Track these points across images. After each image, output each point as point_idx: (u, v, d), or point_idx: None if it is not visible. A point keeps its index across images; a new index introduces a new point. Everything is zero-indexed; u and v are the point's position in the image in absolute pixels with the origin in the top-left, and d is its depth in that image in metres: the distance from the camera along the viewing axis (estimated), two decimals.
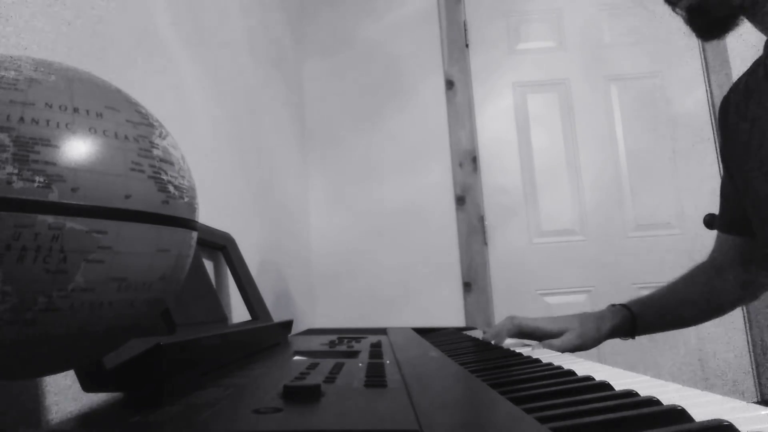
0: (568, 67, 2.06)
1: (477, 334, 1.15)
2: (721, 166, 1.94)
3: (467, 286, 1.91)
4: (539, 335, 0.87)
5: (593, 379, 0.46)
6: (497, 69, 2.07)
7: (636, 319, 0.91)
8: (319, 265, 1.96)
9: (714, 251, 0.97)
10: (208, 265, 0.90)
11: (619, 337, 0.92)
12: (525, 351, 0.73)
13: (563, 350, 0.83)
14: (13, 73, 0.29)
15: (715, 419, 0.32)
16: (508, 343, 0.87)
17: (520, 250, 1.96)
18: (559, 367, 0.54)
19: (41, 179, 0.26)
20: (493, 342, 0.84)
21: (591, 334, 0.87)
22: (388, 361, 0.53)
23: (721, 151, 0.93)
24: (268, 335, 0.76)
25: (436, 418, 0.30)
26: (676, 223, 1.94)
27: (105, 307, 0.29)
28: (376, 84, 2.06)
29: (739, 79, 0.86)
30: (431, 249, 1.95)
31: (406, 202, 1.98)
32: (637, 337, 0.93)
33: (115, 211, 0.29)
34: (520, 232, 1.97)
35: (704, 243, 1.91)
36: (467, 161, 1.99)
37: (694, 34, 0.81)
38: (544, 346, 0.83)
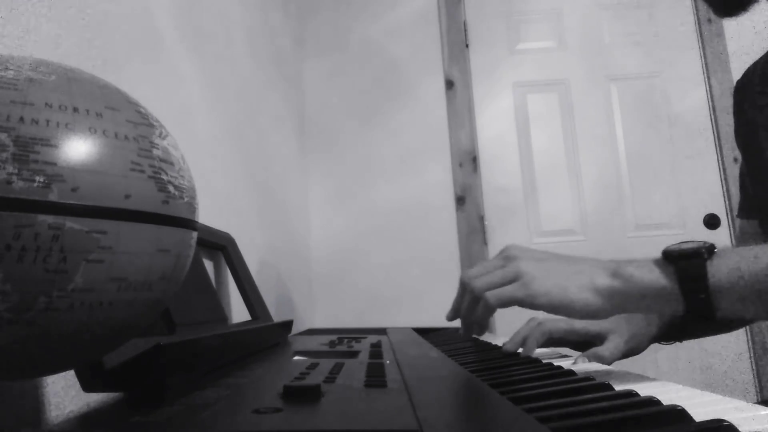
0: (568, 67, 2.06)
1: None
2: (721, 161, 1.95)
3: None
4: (574, 339, 0.71)
5: (593, 379, 0.46)
6: (497, 69, 2.07)
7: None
8: (319, 265, 1.96)
9: (737, 242, 0.91)
10: (208, 265, 0.90)
11: (663, 341, 0.72)
12: (565, 364, 0.59)
13: (613, 361, 0.66)
14: (12, 72, 0.29)
15: (715, 419, 0.32)
16: (540, 352, 0.70)
17: None
18: (559, 367, 0.54)
19: (41, 179, 0.26)
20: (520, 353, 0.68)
21: (642, 334, 0.69)
22: (388, 361, 0.53)
23: (736, 136, 0.88)
24: (268, 335, 0.76)
25: (436, 418, 0.30)
26: (676, 223, 1.94)
27: (105, 307, 0.29)
28: (376, 84, 2.06)
29: (755, 64, 0.83)
30: (431, 249, 1.95)
31: (406, 202, 1.98)
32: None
33: (115, 211, 0.29)
34: (520, 232, 1.97)
35: None
36: (467, 161, 1.99)
37: (711, 11, 0.73)
38: (590, 358, 0.65)
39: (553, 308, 0.50)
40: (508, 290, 0.51)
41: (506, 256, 0.54)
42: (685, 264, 0.47)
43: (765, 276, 0.45)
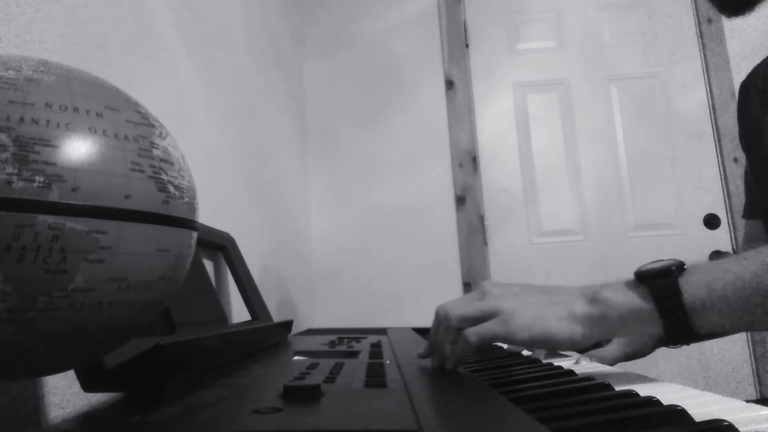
0: (568, 67, 2.06)
1: None
2: (721, 161, 1.95)
3: (467, 286, 1.91)
4: None
5: (593, 379, 0.46)
6: (497, 69, 2.07)
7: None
8: (320, 264, 1.96)
9: (743, 241, 0.93)
10: (208, 265, 0.90)
11: (670, 345, 0.69)
12: (566, 364, 0.60)
13: (615, 362, 0.67)
14: (12, 73, 0.29)
15: (715, 419, 0.32)
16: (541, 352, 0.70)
17: (520, 250, 1.96)
18: (559, 367, 0.55)
19: (41, 179, 0.26)
20: (531, 355, 0.68)
21: (644, 338, 0.70)
22: (388, 361, 0.53)
23: (740, 137, 0.90)
24: (268, 335, 0.76)
25: (436, 418, 0.30)
26: (676, 223, 1.94)
27: (105, 307, 0.29)
28: (376, 84, 2.06)
29: (759, 65, 0.83)
30: (431, 249, 1.95)
31: (406, 202, 1.98)
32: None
33: (115, 211, 0.29)
34: (520, 232, 1.97)
35: (704, 243, 1.92)
36: (467, 161, 1.99)
37: (717, 10, 0.73)
38: (593, 358, 0.66)
39: (534, 343, 0.50)
40: (488, 327, 0.50)
41: (483, 291, 0.54)
42: (658, 283, 0.47)
43: (737, 288, 0.45)
